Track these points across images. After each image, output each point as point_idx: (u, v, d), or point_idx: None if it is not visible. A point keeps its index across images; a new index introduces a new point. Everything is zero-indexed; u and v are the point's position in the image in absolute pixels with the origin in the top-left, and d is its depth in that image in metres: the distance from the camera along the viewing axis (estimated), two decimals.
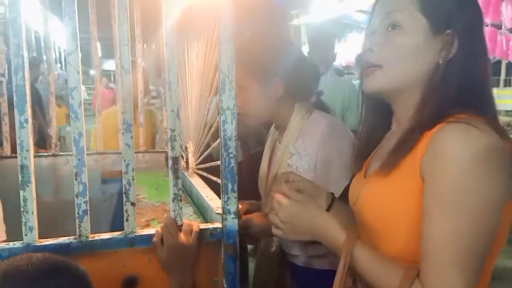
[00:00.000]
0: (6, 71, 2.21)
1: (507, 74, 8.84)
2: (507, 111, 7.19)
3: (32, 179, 0.97)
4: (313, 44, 3.37)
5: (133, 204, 1.04)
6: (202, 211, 1.46)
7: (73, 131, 0.98)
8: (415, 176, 0.86)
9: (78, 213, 1.00)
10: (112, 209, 2.19)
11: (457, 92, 0.89)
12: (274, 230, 1.00)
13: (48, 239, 1.00)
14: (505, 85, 8.89)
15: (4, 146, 2.17)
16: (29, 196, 0.96)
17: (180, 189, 1.06)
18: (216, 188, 1.50)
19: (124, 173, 1.03)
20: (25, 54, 0.95)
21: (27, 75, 0.95)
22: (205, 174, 1.66)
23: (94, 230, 1.04)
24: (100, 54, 2.81)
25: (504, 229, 0.86)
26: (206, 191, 1.50)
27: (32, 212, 0.97)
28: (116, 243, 1.04)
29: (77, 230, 1.01)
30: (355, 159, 1.10)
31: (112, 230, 1.08)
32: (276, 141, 1.50)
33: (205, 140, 1.62)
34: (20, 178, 0.95)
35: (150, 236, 1.06)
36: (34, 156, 0.99)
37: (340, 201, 1.11)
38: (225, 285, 1.10)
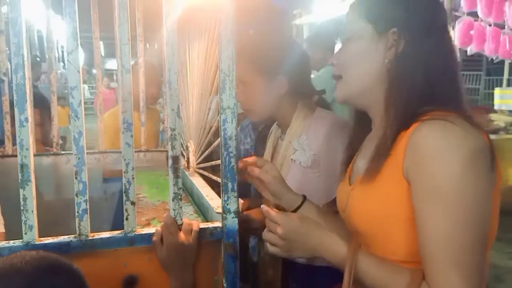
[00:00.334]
0: (9, 70, 2.22)
1: (510, 73, 8.80)
2: (510, 111, 7.16)
3: (32, 177, 0.97)
4: (312, 43, 3.36)
5: (133, 203, 1.04)
6: (202, 211, 1.47)
7: (73, 130, 0.98)
8: (399, 178, 0.87)
9: (78, 212, 1.00)
10: (113, 208, 2.19)
11: (422, 89, 0.91)
12: (271, 248, 0.99)
13: (48, 238, 1.00)
14: (508, 85, 8.86)
15: (6, 144, 2.18)
16: (29, 194, 0.97)
17: (180, 188, 1.06)
18: (217, 187, 1.51)
19: (124, 172, 1.03)
20: (25, 53, 0.95)
21: (27, 74, 0.96)
22: (206, 173, 1.66)
23: (96, 229, 1.04)
24: (103, 53, 2.82)
25: (494, 219, 0.88)
26: (206, 190, 1.50)
27: (32, 211, 0.97)
28: (116, 242, 1.04)
29: (77, 229, 1.01)
30: (341, 168, 1.12)
31: (114, 229, 1.09)
32: (278, 139, 1.51)
33: (206, 139, 1.63)
34: (20, 177, 0.96)
35: (150, 235, 1.06)
36: (35, 155, 0.99)
37: (310, 204, 1.14)
38: (225, 284, 1.10)
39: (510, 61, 6.45)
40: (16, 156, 0.98)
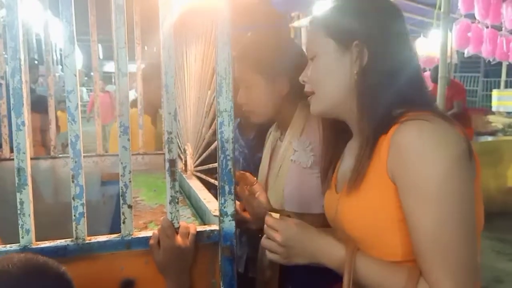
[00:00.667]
0: (6, 73, 2.22)
1: (507, 75, 8.83)
2: (508, 113, 7.18)
3: (29, 181, 0.97)
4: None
5: (130, 206, 1.04)
6: (200, 214, 1.47)
7: (69, 133, 0.98)
8: (385, 181, 0.89)
9: (75, 215, 1.00)
10: (111, 211, 2.19)
11: (391, 94, 0.94)
12: (270, 255, 1.00)
13: (45, 242, 1.00)
14: (506, 87, 8.89)
15: (4, 148, 2.18)
16: (26, 198, 0.97)
17: (177, 191, 1.06)
18: (214, 189, 1.51)
19: (121, 175, 1.03)
20: (22, 57, 0.95)
21: (24, 78, 0.96)
22: (203, 176, 1.66)
23: (94, 232, 1.04)
24: (101, 55, 2.82)
25: (479, 208, 0.90)
26: (204, 193, 1.50)
27: (29, 215, 0.97)
28: (113, 246, 1.04)
29: (74, 232, 1.01)
30: (324, 176, 1.15)
31: (112, 232, 1.08)
32: (278, 140, 1.51)
33: (203, 142, 1.63)
34: (16, 181, 0.96)
35: (147, 239, 1.06)
36: (33, 159, 1.00)
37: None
38: (222, 287, 1.10)
39: (507, 63, 6.47)
40: (13, 159, 0.98)
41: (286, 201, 1.39)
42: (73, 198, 1.00)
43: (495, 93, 8.03)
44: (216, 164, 1.11)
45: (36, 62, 5.30)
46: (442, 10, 3.94)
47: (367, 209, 0.93)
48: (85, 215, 1.01)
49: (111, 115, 4.97)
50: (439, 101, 3.87)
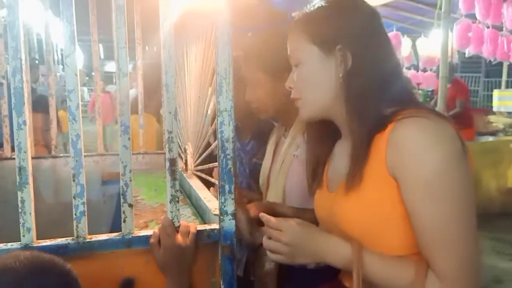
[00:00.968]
0: (7, 73, 2.23)
1: (508, 75, 8.82)
2: (509, 113, 7.18)
3: (30, 180, 0.97)
4: None
5: (130, 205, 1.05)
6: (200, 213, 1.47)
7: (70, 133, 0.99)
8: (384, 177, 0.91)
9: (75, 214, 1.01)
10: (112, 210, 2.19)
11: (378, 93, 0.96)
12: (274, 256, 1.00)
13: (46, 240, 1.01)
14: (507, 87, 8.88)
15: (5, 147, 2.18)
16: (27, 197, 0.97)
17: (177, 190, 1.07)
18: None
19: (122, 174, 1.03)
20: (23, 57, 0.95)
21: (25, 77, 0.96)
22: (203, 175, 1.67)
23: (95, 231, 1.05)
24: (102, 55, 2.82)
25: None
26: (204, 192, 1.51)
27: (30, 213, 0.98)
28: (113, 244, 1.04)
29: (75, 231, 1.01)
30: (312, 176, 1.16)
31: (112, 231, 1.09)
32: (282, 136, 1.53)
33: (203, 142, 1.63)
34: (18, 180, 0.96)
35: (148, 237, 1.06)
36: (34, 158, 1.00)
37: None
38: (222, 286, 1.10)
39: (508, 63, 6.47)
40: (14, 159, 0.98)
41: (287, 196, 1.40)
42: (74, 197, 1.00)
43: (496, 93, 8.02)
44: (216, 164, 1.11)
45: (36, 61, 5.30)
46: (442, 10, 3.94)
47: (368, 207, 0.94)
48: (85, 214, 1.01)
49: (112, 116, 4.97)
50: (440, 101, 3.87)
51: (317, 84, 1.02)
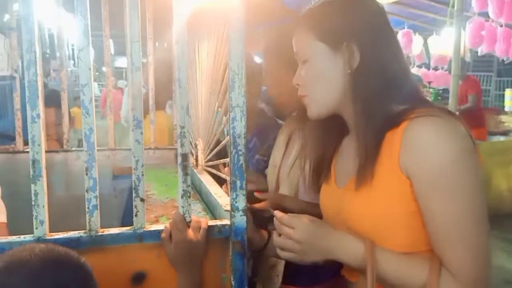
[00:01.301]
0: (19, 67, 2.24)
1: None
2: None
3: (43, 173, 0.98)
4: None
5: (142, 199, 1.05)
6: (211, 208, 1.47)
7: (83, 126, 0.99)
8: (397, 175, 0.91)
9: (88, 207, 1.01)
10: (122, 205, 2.21)
11: (386, 90, 0.96)
12: (285, 254, 0.99)
13: (59, 233, 1.02)
14: None
15: (17, 140, 2.20)
16: (40, 190, 0.98)
17: (189, 185, 1.07)
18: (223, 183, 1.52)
19: (134, 169, 1.04)
20: (38, 50, 0.96)
21: (39, 71, 0.97)
22: (214, 171, 1.67)
23: (105, 225, 1.05)
24: (112, 51, 2.83)
25: None
26: (215, 188, 1.51)
27: (43, 206, 0.98)
28: (125, 238, 1.05)
29: (87, 224, 1.02)
30: (316, 170, 1.15)
31: (122, 226, 1.09)
32: (296, 130, 1.52)
33: (214, 138, 1.63)
34: (31, 172, 0.97)
35: (159, 232, 1.06)
36: (46, 152, 1.01)
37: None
38: (232, 282, 1.10)
39: None
40: (27, 152, 0.99)
41: (301, 191, 1.39)
42: (87, 191, 1.01)
43: (508, 92, 7.94)
44: (227, 159, 1.11)
45: (47, 55, 5.34)
46: (455, 8, 3.91)
47: (379, 204, 0.93)
48: (98, 208, 1.02)
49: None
50: (452, 99, 3.84)
51: (324, 81, 1.02)
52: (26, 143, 2.12)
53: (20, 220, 1.43)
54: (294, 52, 1.08)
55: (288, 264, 1.42)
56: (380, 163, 0.93)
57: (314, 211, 1.11)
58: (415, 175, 0.88)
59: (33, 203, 0.98)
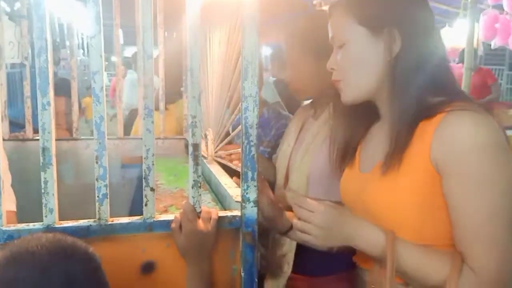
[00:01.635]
0: (30, 55, 2.24)
1: None
2: None
3: (53, 161, 0.97)
4: None
5: (152, 189, 1.04)
6: (220, 199, 1.46)
7: (94, 114, 0.98)
8: (426, 166, 0.89)
9: (98, 196, 1.01)
10: (130, 194, 2.21)
11: (426, 81, 0.94)
12: (305, 237, 0.98)
13: (68, 221, 1.01)
14: None
15: (27, 128, 2.20)
16: (50, 178, 0.97)
17: (199, 176, 1.06)
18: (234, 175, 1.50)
19: (144, 158, 1.03)
20: (49, 37, 0.95)
21: (50, 58, 0.96)
22: (224, 161, 1.66)
23: (113, 214, 1.05)
24: (122, 41, 2.82)
25: None
26: (224, 178, 1.50)
27: (53, 194, 0.98)
28: (135, 228, 1.04)
29: (97, 213, 1.01)
30: (342, 154, 1.14)
31: (130, 215, 1.09)
32: (309, 117, 1.52)
33: (224, 128, 1.62)
34: (41, 160, 0.96)
35: (169, 222, 1.06)
36: (56, 140, 1.00)
37: None
38: (242, 274, 1.09)
39: None
40: (36, 140, 0.98)
41: (310, 182, 1.38)
42: (97, 179, 1.00)
43: None
44: (238, 150, 1.10)
45: (57, 44, 5.33)
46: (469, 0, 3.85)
47: (404, 192, 0.92)
48: (108, 196, 1.01)
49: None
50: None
51: (363, 65, 1.00)
52: (35, 131, 2.12)
53: (29, 208, 1.43)
54: (330, 36, 1.06)
55: (298, 254, 1.41)
56: (410, 152, 0.92)
57: None
58: (447, 169, 0.87)
59: (42, 191, 0.97)
